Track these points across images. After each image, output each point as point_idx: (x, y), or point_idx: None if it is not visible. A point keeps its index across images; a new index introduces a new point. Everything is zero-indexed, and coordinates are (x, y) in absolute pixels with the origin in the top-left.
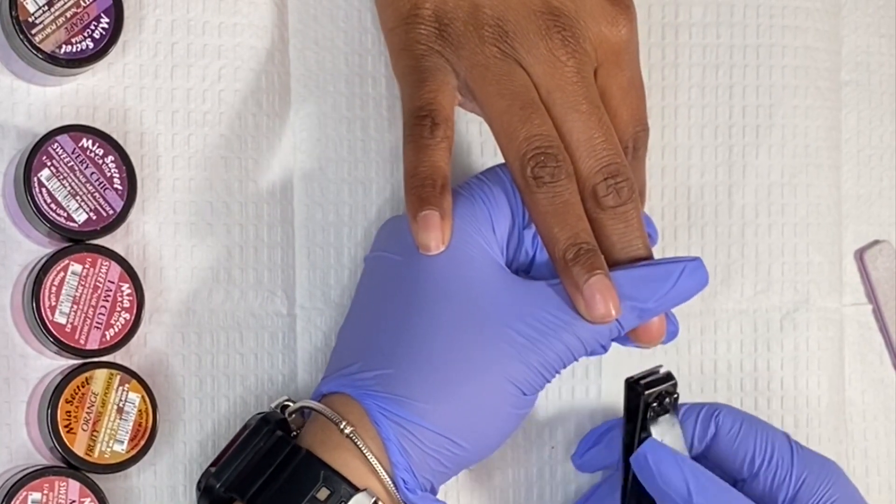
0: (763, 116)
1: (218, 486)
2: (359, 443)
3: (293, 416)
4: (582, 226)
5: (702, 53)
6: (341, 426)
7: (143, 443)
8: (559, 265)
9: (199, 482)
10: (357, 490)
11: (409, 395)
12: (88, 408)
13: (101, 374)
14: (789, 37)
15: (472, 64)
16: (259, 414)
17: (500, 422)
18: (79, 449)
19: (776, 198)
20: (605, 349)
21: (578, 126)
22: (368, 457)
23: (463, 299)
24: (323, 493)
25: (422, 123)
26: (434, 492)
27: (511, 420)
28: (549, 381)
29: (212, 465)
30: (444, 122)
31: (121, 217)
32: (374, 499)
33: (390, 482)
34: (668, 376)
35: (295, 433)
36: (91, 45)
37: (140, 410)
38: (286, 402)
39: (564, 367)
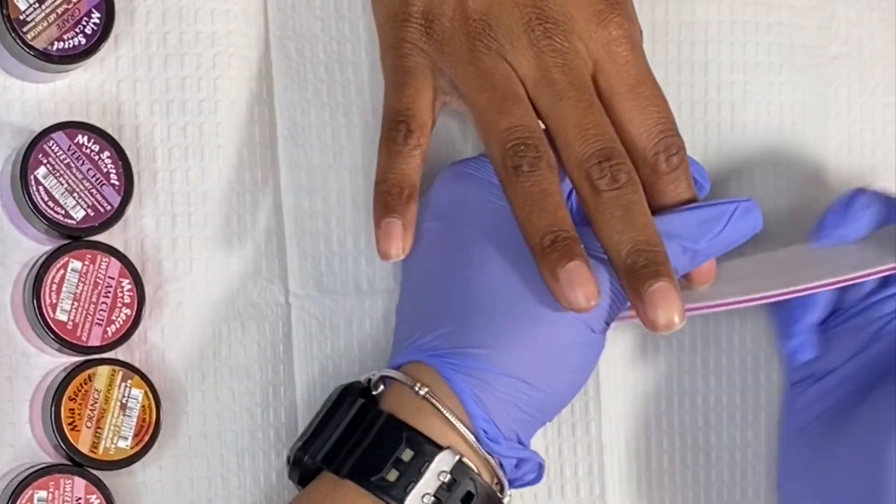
0: (738, 93)
1: (306, 458)
2: (434, 401)
3: (380, 388)
4: (561, 214)
5: (678, 30)
6: (416, 388)
7: (147, 438)
8: (536, 253)
9: (288, 457)
10: (440, 448)
11: (473, 345)
12: (92, 405)
13: (103, 371)
14: (763, 13)
15: (457, 60)
16: (340, 386)
17: (571, 358)
18: (83, 446)
19: (750, 175)
20: None
21: (567, 113)
22: (445, 413)
23: (509, 247)
24: (407, 455)
25: (397, 129)
26: (522, 443)
27: (584, 357)
28: (612, 317)
29: (298, 439)
30: (418, 130)
31: (118, 212)
32: (457, 456)
33: (471, 435)
34: None
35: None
36: (83, 40)
37: (143, 406)
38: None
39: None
